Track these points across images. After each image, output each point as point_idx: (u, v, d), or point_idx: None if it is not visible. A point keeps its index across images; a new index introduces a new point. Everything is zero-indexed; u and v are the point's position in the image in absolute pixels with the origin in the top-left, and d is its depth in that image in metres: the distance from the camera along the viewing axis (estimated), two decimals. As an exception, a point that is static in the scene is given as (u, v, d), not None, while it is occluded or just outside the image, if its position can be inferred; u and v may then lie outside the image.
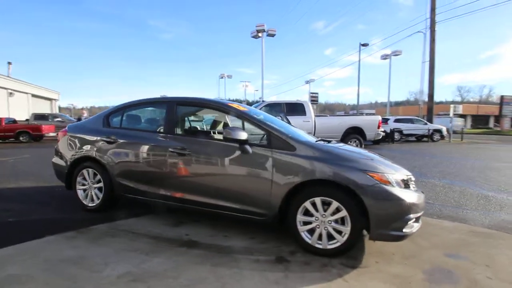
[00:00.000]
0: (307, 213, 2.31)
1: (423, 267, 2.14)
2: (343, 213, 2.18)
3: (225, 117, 4.00)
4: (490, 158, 8.66)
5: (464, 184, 5.03)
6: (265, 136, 2.53)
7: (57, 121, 17.08)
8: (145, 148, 2.92)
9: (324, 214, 2.25)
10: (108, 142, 3.07)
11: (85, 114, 10.70)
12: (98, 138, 3.14)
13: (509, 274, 2.04)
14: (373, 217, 2.10)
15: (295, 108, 8.96)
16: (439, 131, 16.52)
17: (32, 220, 2.97)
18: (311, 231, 2.31)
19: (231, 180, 2.54)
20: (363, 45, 27.66)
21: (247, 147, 2.45)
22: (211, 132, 3.89)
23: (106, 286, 1.78)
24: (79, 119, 10.67)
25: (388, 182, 2.16)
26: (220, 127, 4.00)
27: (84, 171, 3.22)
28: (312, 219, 2.29)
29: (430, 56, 20.51)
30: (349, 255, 2.26)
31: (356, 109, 29.30)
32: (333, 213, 2.22)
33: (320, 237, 2.27)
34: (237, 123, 4.11)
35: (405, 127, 16.20)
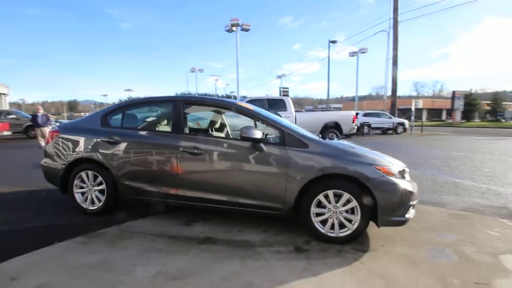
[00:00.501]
0: (319, 205, 2.50)
1: (421, 246, 2.45)
2: (354, 203, 2.41)
3: (222, 116, 4.05)
4: (450, 148, 9.70)
5: (434, 172, 5.64)
6: (278, 134, 2.66)
7: (11, 118, 15.49)
8: (153, 148, 2.89)
9: (336, 206, 2.46)
10: (111, 143, 2.98)
11: (41, 111, 9.78)
12: (99, 138, 3.02)
13: (490, 248, 2.42)
14: (381, 206, 2.35)
15: (276, 104, 9.18)
16: (402, 124, 17.95)
17: (30, 227, 2.80)
18: (323, 222, 2.51)
19: (247, 177, 2.64)
20: (332, 42, 28.78)
21: (262, 145, 2.57)
22: (216, 131, 3.89)
23: (144, 286, 1.81)
24: (34, 116, 9.81)
25: (392, 174, 2.42)
26: (217, 126, 4.04)
27: (83, 174, 3.09)
28: (325, 210, 2.49)
29: (394, 54, 22.06)
30: (357, 241, 2.50)
31: (326, 103, 30.48)
32: (344, 204, 2.44)
33: (332, 227, 2.48)
34: (234, 121, 4.20)
35: (373, 121, 17.35)
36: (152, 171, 2.89)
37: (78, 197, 3.13)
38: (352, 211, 2.44)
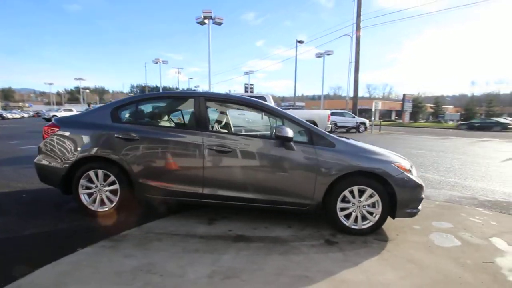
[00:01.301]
0: (343, 200, 2.69)
1: (428, 234, 2.79)
2: (376, 198, 2.65)
3: (226, 114, 4.01)
4: (409, 146, 10.83)
5: (407, 168, 6.29)
6: (306, 133, 2.77)
7: None
8: (176, 145, 2.78)
9: (359, 200, 2.67)
10: (127, 140, 2.79)
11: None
12: (111, 135, 2.81)
13: (480, 233, 2.86)
14: (400, 199, 2.62)
15: (258, 102, 9.28)
16: (364, 123, 19.44)
17: (33, 234, 2.50)
18: (347, 215, 2.71)
19: (278, 175, 2.71)
20: (299, 42, 29.72)
21: (292, 144, 2.66)
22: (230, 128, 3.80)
23: (204, 287, 1.79)
24: None
25: (408, 170, 2.71)
26: (224, 122, 3.99)
27: (91, 173, 2.84)
28: (349, 205, 2.69)
29: (356, 58, 23.67)
30: (375, 232, 2.75)
31: (294, 101, 31.46)
32: (367, 199, 2.66)
33: (355, 220, 2.69)
34: (229, 118, 4.18)
35: (339, 120, 18.49)
36: (175, 169, 2.78)
37: (84, 198, 2.87)
38: (373, 205, 2.68)
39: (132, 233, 2.56)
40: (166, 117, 3.30)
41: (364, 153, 2.74)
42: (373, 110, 19.10)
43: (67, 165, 2.84)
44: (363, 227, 2.69)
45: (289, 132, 2.60)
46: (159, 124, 3.05)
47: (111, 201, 2.87)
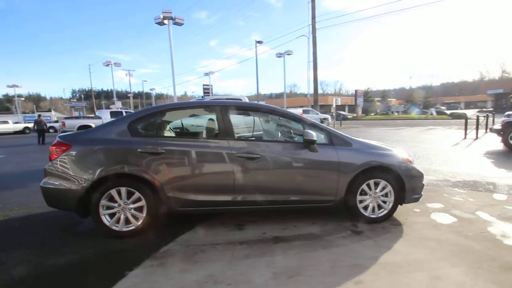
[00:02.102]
0: (361, 193, 3.00)
1: (428, 215, 3.25)
2: (389, 188, 3.01)
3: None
4: (371, 138, 11.87)
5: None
6: (325, 135, 3.01)
7: None
8: (204, 156, 2.79)
9: (375, 192, 3.00)
10: (153, 154, 2.72)
11: None
12: (134, 150, 2.71)
13: (466, 209, 3.42)
14: (408, 187, 3.02)
15: (235, 104, 9.37)
16: (326, 119, 20.72)
17: (68, 264, 2.31)
18: (365, 207, 3.02)
19: (304, 176, 2.90)
20: (258, 42, 30.29)
21: (316, 146, 2.88)
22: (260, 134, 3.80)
23: (284, 283, 1.90)
24: None
25: (411, 162, 3.13)
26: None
27: (113, 192, 2.71)
28: (367, 197, 3.01)
29: (314, 57, 24.97)
30: (389, 219, 3.12)
31: (256, 100, 31.94)
32: (381, 190, 3.01)
33: (373, 210, 3.02)
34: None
35: (306, 116, 19.44)
36: (205, 180, 2.80)
37: (105, 219, 2.72)
38: (386, 195, 3.03)
39: (172, 248, 2.52)
40: (188, 128, 3.26)
41: (376, 149, 3.09)
42: (333, 105, 20.48)
43: (85, 185, 2.66)
44: (379, 215, 3.04)
45: (315, 136, 2.82)
46: (183, 136, 3.01)
47: (136, 219, 2.77)
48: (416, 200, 3.16)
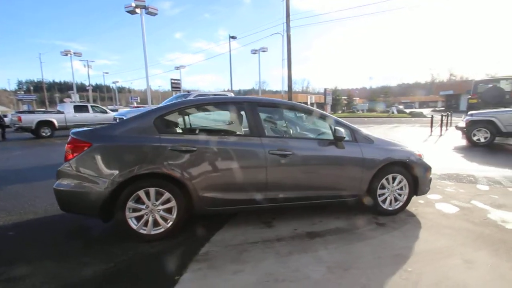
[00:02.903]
0: (381, 187, 3.18)
1: (433, 205, 3.56)
2: (404, 182, 3.23)
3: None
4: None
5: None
6: (349, 133, 3.12)
7: None
8: (237, 153, 2.73)
9: (393, 185, 3.20)
10: (184, 151, 2.59)
11: None
12: (165, 147, 2.55)
13: (462, 199, 3.79)
14: (421, 181, 3.27)
15: (222, 100, 9.21)
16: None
17: (103, 273, 2.11)
18: (383, 200, 3.21)
19: (333, 172, 2.99)
20: (232, 37, 29.95)
21: (343, 143, 2.98)
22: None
23: (330, 280, 1.96)
24: None
25: (422, 157, 3.38)
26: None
27: (141, 193, 2.53)
28: (385, 191, 3.20)
29: (288, 55, 25.41)
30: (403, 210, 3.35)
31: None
32: (398, 184, 3.22)
33: (390, 203, 3.22)
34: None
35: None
36: (238, 178, 2.73)
37: (132, 222, 2.54)
38: (401, 188, 3.25)
39: (211, 250, 2.44)
40: (217, 125, 3.13)
41: (394, 146, 3.28)
42: (308, 103, 21.11)
43: (110, 187, 2.45)
44: (396, 207, 3.25)
45: (344, 132, 2.91)
46: (214, 133, 2.89)
47: (165, 221, 2.62)
48: (426, 192, 3.43)
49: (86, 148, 2.48)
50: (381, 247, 2.48)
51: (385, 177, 3.16)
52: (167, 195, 2.59)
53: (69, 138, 2.60)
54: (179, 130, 2.77)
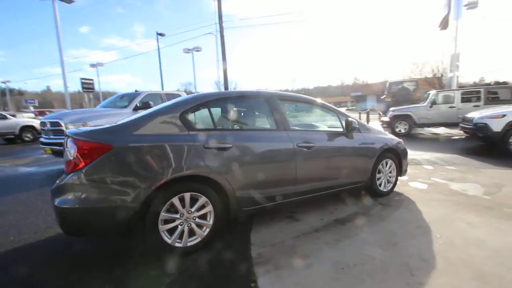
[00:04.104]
0: (378, 172, 3.58)
1: (406, 184, 4.20)
2: (393, 166, 3.73)
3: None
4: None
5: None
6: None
7: None
8: (269, 148, 2.64)
9: (386, 170, 3.65)
10: (219, 150, 2.36)
11: None
12: (199, 146, 2.27)
13: (422, 177, 4.59)
14: (403, 164, 3.83)
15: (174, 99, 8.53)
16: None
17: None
18: (380, 184, 3.63)
19: (346, 161, 3.21)
20: (160, 34, 28.03)
21: (354, 133, 3.24)
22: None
23: (397, 251, 2.13)
24: None
25: (402, 142, 3.95)
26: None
27: (174, 200, 2.19)
28: (381, 175, 3.62)
29: (223, 56, 25.42)
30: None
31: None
32: (389, 167, 3.69)
33: (384, 185, 3.66)
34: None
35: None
36: (272, 174, 2.65)
37: (165, 236, 2.17)
38: (391, 171, 3.74)
39: (261, 251, 2.30)
40: (244, 119, 2.89)
41: (383, 134, 3.74)
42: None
43: (141, 197, 2.03)
44: (388, 189, 3.71)
45: (357, 123, 3.17)
46: (244, 128, 2.68)
47: (201, 228, 2.34)
48: (406, 173, 4.02)
49: (106, 152, 1.99)
50: (401, 222, 2.81)
51: (381, 163, 3.57)
52: (203, 199, 2.31)
53: (72, 140, 2.04)
54: (207, 126, 2.49)
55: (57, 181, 2.10)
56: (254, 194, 2.57)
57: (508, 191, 3.67)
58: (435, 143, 8.73)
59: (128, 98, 7.63)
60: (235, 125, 2.80)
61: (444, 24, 14.10)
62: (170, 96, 8.42)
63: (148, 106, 6.84)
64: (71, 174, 1.96)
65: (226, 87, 24.69)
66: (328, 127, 3.45)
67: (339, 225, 2.79)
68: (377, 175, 3.56)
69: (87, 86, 21.33)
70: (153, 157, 2.12)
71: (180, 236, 2.24)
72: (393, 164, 3.72)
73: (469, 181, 4.21)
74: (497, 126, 6.21)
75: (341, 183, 3.20)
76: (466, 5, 12.75)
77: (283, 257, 2.20)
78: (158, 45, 27.20)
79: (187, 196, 2.24)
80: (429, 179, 4.43)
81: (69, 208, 1.94)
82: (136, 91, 8.11)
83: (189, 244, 2.28)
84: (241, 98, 2.95)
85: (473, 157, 6.08)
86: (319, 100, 3.35)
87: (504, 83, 10.52)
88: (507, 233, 2.50)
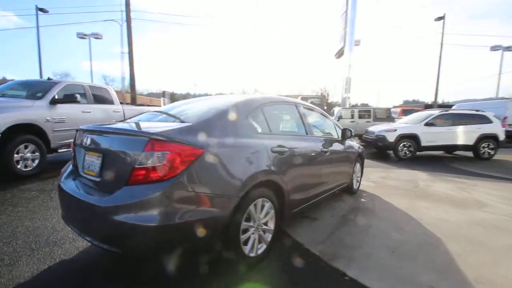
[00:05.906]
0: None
1: (365, 180, 5.19)
2: (359, 166, 4.55)
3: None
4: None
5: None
6: (339, 132, 3.95)
7: None
8: (308, 153, 2.82)
9: (355, 171, 4.43)
10: (281, 154, 2.36)
11: None
12: (268, 150, 2.21)
13: (373, 177, 5.74)
14: (363, 165, 4.73)
15: (101, 95, 7.06)
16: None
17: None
18: (353, 183, 4.36)
19: (342, 165, 3.71)
20: (41, 10, 22.26)
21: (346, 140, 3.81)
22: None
23: (406, 235, 2.73)
24: None
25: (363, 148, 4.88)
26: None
27: (251, 207, 2.05)
28: (354, 175, 4.36)
29: (129, 49, 22.49)
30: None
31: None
32: (358, 170, 4.49)
33: (355, 184, 4.42)
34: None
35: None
36: (311, 176, 2.83)
37: (243, 246, 2.01)
38: (358, 171, 4.55)
39: (318, 248, 2.45)
40: (288, 125, 2.83)
41: (351, 141, 4.51)
42: (162, 104, 19.99)
43: (231, 206, 1.81)
44: (357, 187, 4.50)
45: (351, 132, 3.73)
46: (290, 132, 2.67)
47: (265, 234, 2.25)
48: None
49: (198, 156, 1.67)
50: (389, 211, 3.53)
51: (355, 165, 4.32)
52: (268, 204, 2.24)
53: (159, 144, 1.61)
54: (267, 130, 2.41)
55: (114, 194, 1.59)
56: (302, 196, 2.69)
57: (424, 184, 5.13)
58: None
59: (39, 87, 5.85)
60: (284, 130, 2.84)
61: (339, 55, 17.71)
62: (95, 89, 7.03)
63: (73, 100, 5.56)
64: (158, 185, 1.55)
65: (132, 85, 22.03)
66: (325, 134, 3.91)
67: (352, 216, 3.26)
68: (354, 175, 4.28)
69: None
70: (241, 162, 1.95)
71: (253, 247, 2.10)
72: (359, 166, 4.55)
73: (394, 179, 5.59)
74: (391, 137, 8.38)
75: (340, 183, 3.70)
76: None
77: (344, 250, 2.43)
78: (37, 23, 21.47)
79: (259, 202, 2.13)
80: (368, 179, 5.58)
81: (157, 226, 1.52)
82: (49, 78, 6.31)
83: (259, 252, 2.16)
84: (283, 104, 2.98)
85: (377, 160, 7.99)
86: (322, 111, 3.78)
87: (365, 105, 14.17)
88: (452, 213, 3.58)
